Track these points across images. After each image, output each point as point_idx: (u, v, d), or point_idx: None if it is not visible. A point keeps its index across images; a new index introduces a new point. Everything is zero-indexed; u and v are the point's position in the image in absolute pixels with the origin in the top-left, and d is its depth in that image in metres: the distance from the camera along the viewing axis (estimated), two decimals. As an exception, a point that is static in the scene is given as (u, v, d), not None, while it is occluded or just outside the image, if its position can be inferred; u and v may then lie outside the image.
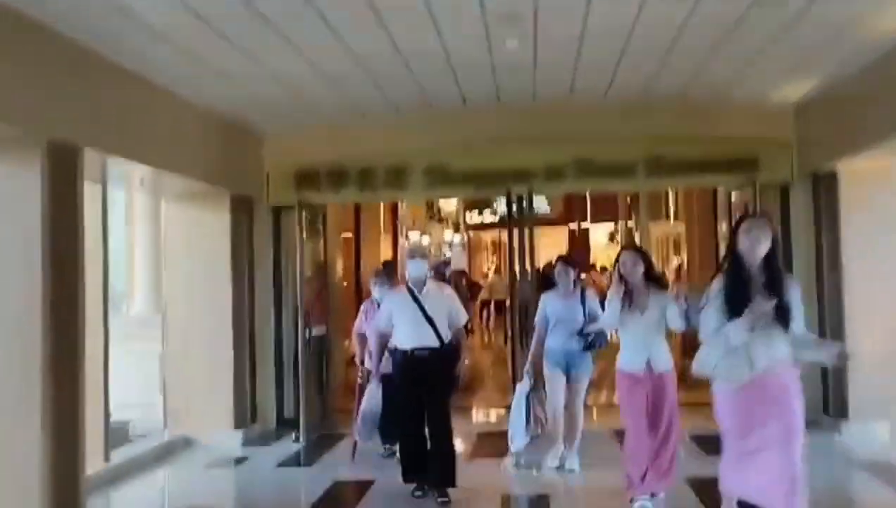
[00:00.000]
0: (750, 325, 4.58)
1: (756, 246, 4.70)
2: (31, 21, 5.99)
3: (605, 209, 29.77)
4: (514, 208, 10.14)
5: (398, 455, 7.49)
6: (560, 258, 8.20)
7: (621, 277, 6.59)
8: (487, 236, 35.88)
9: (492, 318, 24.14)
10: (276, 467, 8.78)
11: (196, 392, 9.61)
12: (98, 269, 7.48)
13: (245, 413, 10.01)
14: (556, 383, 7.79)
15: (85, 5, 5.95)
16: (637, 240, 27.20)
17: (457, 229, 35.94)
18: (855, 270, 9.29)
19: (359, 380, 8.58)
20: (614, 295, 6.64)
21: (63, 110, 6.44)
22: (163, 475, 8.77)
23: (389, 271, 10.88)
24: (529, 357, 8.02)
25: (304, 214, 9.90)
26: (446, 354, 7.08)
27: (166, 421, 9.67)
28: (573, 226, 31.48)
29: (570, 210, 28.75)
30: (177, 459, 9.14)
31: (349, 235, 17.55)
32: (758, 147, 9.97)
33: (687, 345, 10.00)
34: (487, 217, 31.16)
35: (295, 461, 9.09)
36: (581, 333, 7.58)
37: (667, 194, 22.59)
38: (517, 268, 10.22)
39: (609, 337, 7.72)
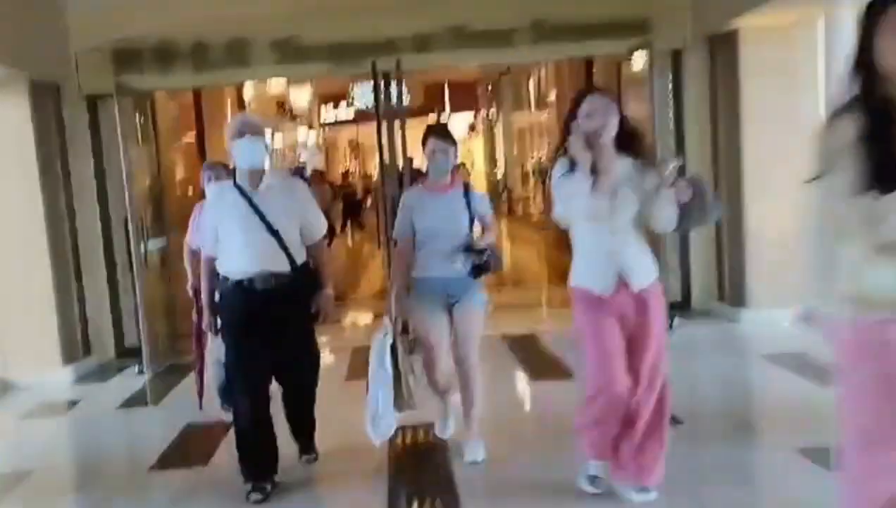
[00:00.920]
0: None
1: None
2: None
3: (465, 100, 28.46)
4: (381, 87, 8.44)
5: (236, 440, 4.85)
6: (432, 131, 5.02)
7: (585, 139, 3.99)
8: (345, 135, 33.93)
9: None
10: (117, 409, 7.10)
11: (10, 322, 7.75)
12: None
13: (76, 345, 8.22)
14: (434, 327, 4.95)
15: None
16: (499, 132, 26.24)
17: (311, 127, 33.81)
18: (753, 144, 8.15)
19: (194, 319, 6.10)
20: (571, 171, 4.04)
21: None
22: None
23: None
24: (391, 291, 5.17)
25: (125, 104, 7.97)
26: (299, 283, 4.71)
27: (-28, 361, 7.74)
28: (433, 117, 29.91)
29: (430, 101, 27.09)
30: (-10, 408, 7.33)
31: (191, 140, 15.61)
32: (649, 7, 8.60)
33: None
34: (343, 113, 28.89)
35: (139, 399, 7.41)
36: (469, 249, 4.89)
37: (529, 78, 21.72)
38: (385, 160, 8.55)
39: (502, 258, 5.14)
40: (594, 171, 3.97)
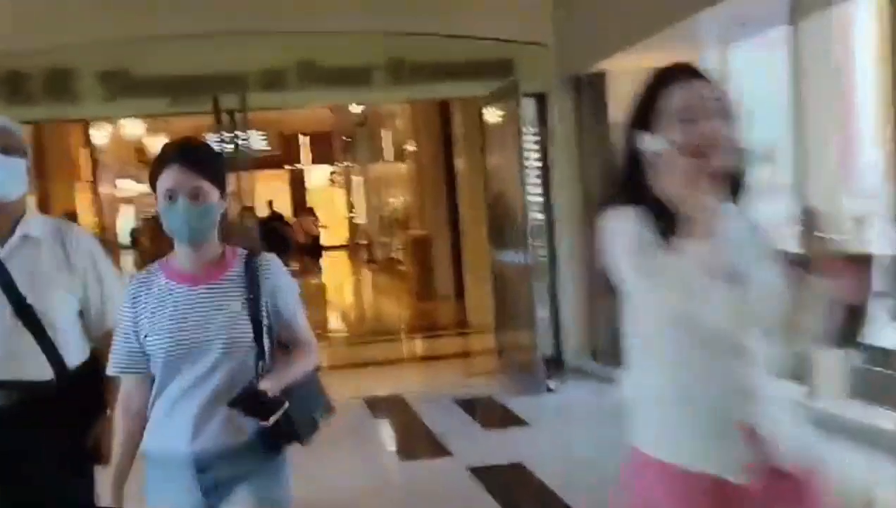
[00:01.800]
0: None
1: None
2: None
3: (324, 151, 27.48)
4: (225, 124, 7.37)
5: None
6: (170, 153, 2.40)
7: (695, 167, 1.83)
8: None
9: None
10: None
11: None
12: None
13: None
14: None
15: None
16: (357, 182, 25.33)
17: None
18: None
19: None
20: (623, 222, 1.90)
21: None
22: None
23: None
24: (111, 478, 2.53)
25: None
26: (68, 400, 2.73)
27: None
28: (290, 169, 28.78)
29: (287, 151, 25.95)
30: None
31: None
32: (511, 49, 7.93)
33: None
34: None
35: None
36: (246, 398, 2.30)
37: (384, 128, 20.99)
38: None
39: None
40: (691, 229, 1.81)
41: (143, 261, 13.77)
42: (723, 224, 1.83)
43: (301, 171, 29.46)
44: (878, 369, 5.43)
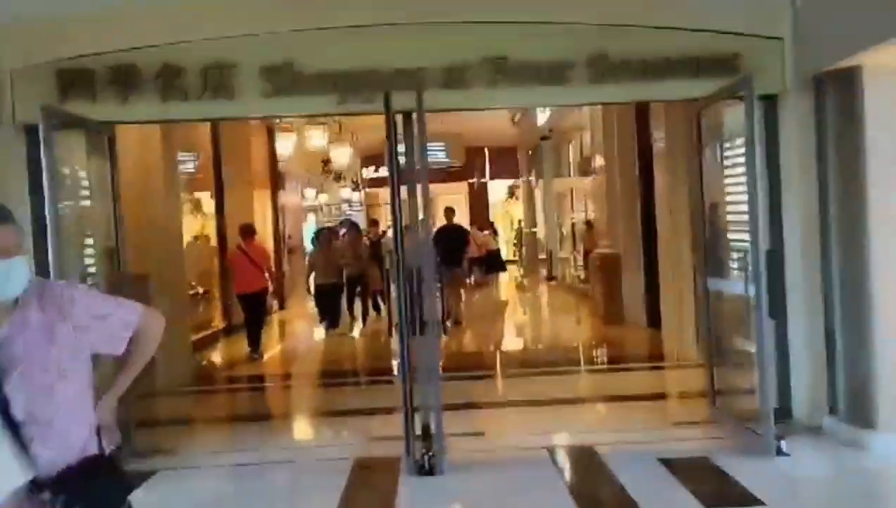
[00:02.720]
0: None
1: None
2: None
3: (506, 166, 26.47)
4: (396, 130, 6.11)
5: None
6: None
7: None
8: (385, 193, 32.07)
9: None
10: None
11: None
12: None
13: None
14: None
15: None
16: (538, 197, 24.01)
17: (355, 187, 32.00)
18: (882, 211, 5.86)
19: None
20: None
21: None
22: None
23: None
24: None
25: (69, 138, 5.80)
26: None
27: None
28: (472, 180, 27.93)
29: (470, 164, 25.02)
30: None
31: (206, 193, 13.63)
32: (738, 42, 6.40)
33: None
34: (384, 172, 26.87)
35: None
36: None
37: (566, 147, 19.66)
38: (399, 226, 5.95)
39: None
40: None
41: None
42: None
43: (483, 184, 28.61)
44: None
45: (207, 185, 13.42)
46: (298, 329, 14.88)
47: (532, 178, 24.83)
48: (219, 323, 13.18)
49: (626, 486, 5.37)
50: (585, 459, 6.09)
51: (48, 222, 5.32)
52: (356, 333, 13.23)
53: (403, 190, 5.93)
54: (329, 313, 12.99)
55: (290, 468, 6.26)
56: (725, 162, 6.61)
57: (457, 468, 5.76)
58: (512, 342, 13.20)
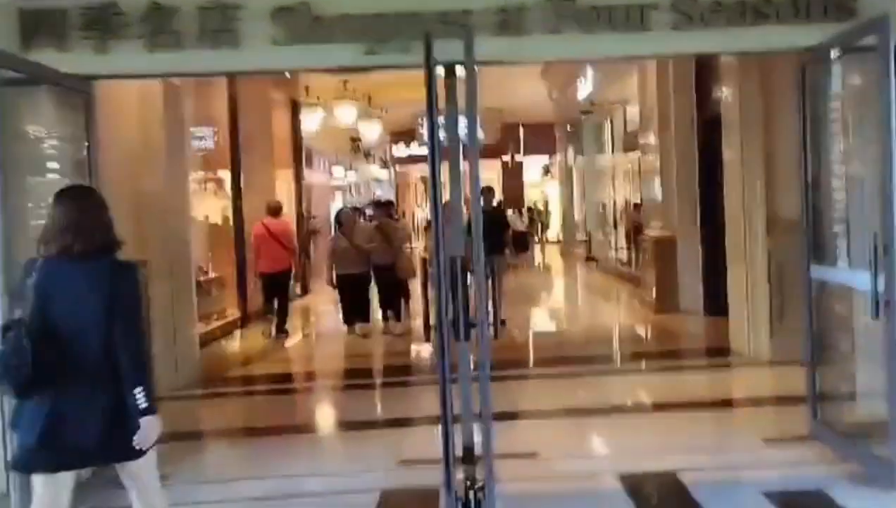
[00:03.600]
0: None
1: None
2: None
3: (541, 142, 25.15)
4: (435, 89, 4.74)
5: None
6: None
7: None
8: (416, 171, 30.97)
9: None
10: None
11: None
12: None
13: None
14: None
15: None
16: (578, 174, 22.65)
17: (384, 165, 30.93)
18: None
19: None
20: None
21: None
22: None
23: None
24: None
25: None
26: None
27: None
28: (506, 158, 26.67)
29: (504, 140, 23.74)
30: None
31: (223, 171, 12.43)
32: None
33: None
34: (415, 149, 25.46)
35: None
36: None
37: (609, 121, 18.33)
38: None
39: None
40: None
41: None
42: None
43: (518, 163, 27.37)
44: None
45: (223, 162, 12.24)
46: (320, 321, 13.36)
47: (570, 155, 23.50)
48: (234, 312, 11.94)
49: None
50: (670, 492, 4.89)
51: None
52: (396, 330, 10.93)
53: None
54: (355, 310, 10.80)
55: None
56: (839, 128, 5.35)
57: (506, 501, 4.49)
58: (555, 334, 11.92)
